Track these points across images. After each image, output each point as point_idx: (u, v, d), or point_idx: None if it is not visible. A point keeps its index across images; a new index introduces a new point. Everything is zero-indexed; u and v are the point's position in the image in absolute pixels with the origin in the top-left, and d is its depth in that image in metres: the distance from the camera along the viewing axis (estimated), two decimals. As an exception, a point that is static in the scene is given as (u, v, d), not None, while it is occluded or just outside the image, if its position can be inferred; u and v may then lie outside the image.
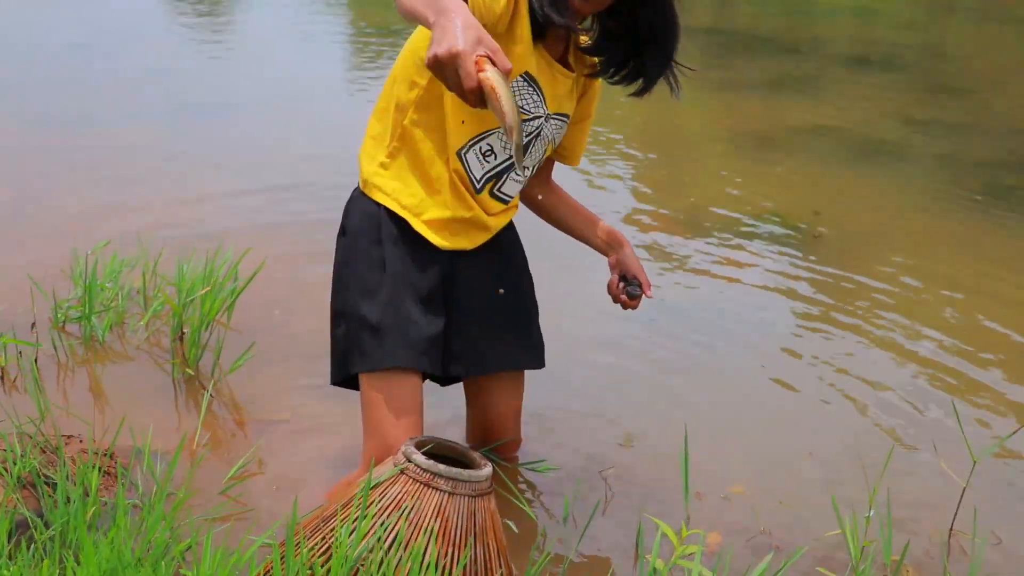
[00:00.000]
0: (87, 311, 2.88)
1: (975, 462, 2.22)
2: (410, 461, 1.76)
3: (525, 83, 1.94)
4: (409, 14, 1.69)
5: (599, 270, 2.32)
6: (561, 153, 2.21)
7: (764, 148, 5.70)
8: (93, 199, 4.20)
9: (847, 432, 2.72)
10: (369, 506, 1.72)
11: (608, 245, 2.24)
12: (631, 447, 2.61)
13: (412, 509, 1.71)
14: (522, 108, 1.95)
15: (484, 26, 1.62)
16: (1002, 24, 11.49)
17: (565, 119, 2.08)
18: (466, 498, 1.75)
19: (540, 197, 2.26)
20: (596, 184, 4.84)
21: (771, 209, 4.54)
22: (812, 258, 3.98)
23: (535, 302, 2.29)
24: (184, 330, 2.81)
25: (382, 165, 2.03)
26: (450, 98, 1.92)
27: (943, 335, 3.33)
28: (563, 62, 2.02)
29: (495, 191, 2.05)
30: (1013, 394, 2.96)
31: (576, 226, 2.29)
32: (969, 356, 3.18)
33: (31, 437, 2.21)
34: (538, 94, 1.97)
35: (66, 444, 2.23)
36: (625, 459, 2.53)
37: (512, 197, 2.11)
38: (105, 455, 2.21)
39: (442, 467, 1.74)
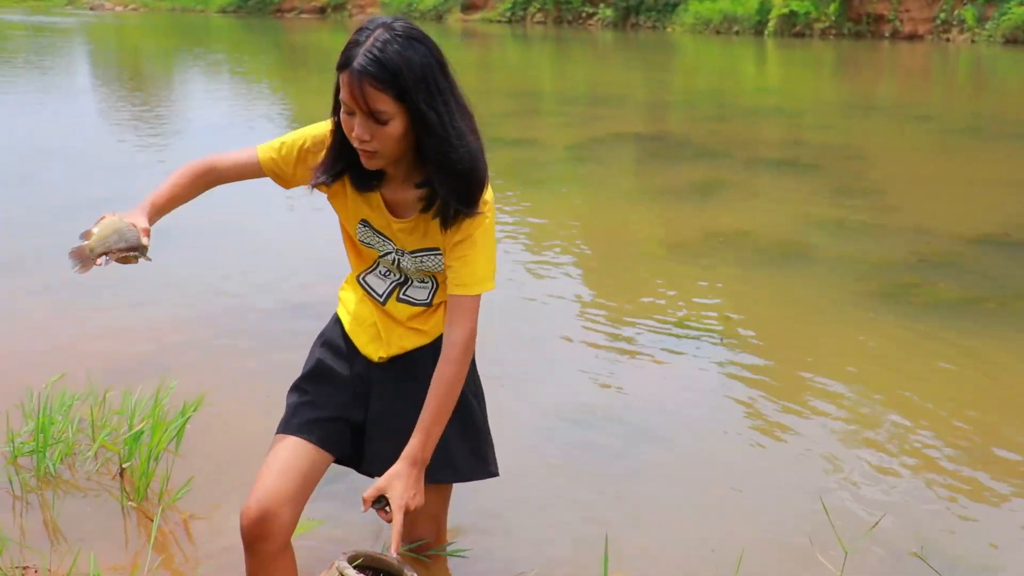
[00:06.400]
0: (40, 445, 3.09)
1: (846, 553, 2.50)
2: (342, 574, 2.02)
3: (366, 228, 2.30)
4: None
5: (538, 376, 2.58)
6: (450, 286, 2.23)
7: (685, 253, 6.09)
8: (45, 330, 4.45)
9: (732, 523, 3.00)
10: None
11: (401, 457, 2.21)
12: (552, 546, 2.85)
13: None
14: (374, 245, 2.32)
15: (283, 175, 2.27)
16: (917, 122, 12.18)
17: (432, 251, 2.26)
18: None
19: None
20: (526, 295, 5.17)
21: (688, 315, 4.87)
22: (725, 362, 4.30)
23: (470, 423, 2.38)
24: (124, 466, 3.03)
25: (347, 280, 2.47)
26: (348, 239, 2.39)
27: (843, 424, 3.65)
28: (401, 205, 2.23)
29: (402, 295, 2.35)
30: (888, 484, 3.26)
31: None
32: (866, 443, 3.49)
33: (-9, 569, 2.43)
34: (379, 235, 2.30)
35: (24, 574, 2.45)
36: (546, 558, 2.78)
37: (420, 301, 2.32)
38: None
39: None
